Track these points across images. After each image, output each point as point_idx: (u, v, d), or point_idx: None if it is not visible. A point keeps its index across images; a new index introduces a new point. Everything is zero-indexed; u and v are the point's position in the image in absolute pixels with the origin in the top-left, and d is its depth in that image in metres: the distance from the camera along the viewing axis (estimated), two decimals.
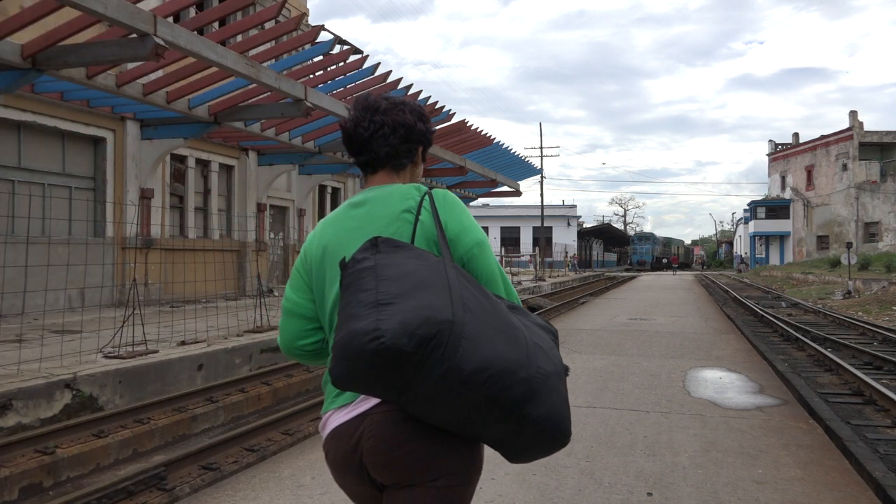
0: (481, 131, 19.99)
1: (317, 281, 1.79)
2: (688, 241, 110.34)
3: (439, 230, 1.66)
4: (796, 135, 56.74)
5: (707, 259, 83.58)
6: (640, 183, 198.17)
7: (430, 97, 15.69)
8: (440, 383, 1.42)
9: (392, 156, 1.81)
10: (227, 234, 17.56)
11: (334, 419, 1.70)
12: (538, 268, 34.60)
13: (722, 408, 6.07)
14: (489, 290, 1.63)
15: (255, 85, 11.10)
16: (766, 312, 17.68)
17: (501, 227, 53.89)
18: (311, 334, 1.82)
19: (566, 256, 48.36)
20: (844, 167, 47.91)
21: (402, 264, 1.51)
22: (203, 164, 16.75)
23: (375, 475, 1.64)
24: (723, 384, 7.18)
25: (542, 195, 49.12)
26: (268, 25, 11.65)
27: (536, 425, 1.51)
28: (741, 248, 65.94)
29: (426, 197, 1.71)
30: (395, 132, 1.79)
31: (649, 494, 3.91)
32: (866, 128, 48.52)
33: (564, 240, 53.65)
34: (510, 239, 52.43)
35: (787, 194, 54.77)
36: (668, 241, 75.65)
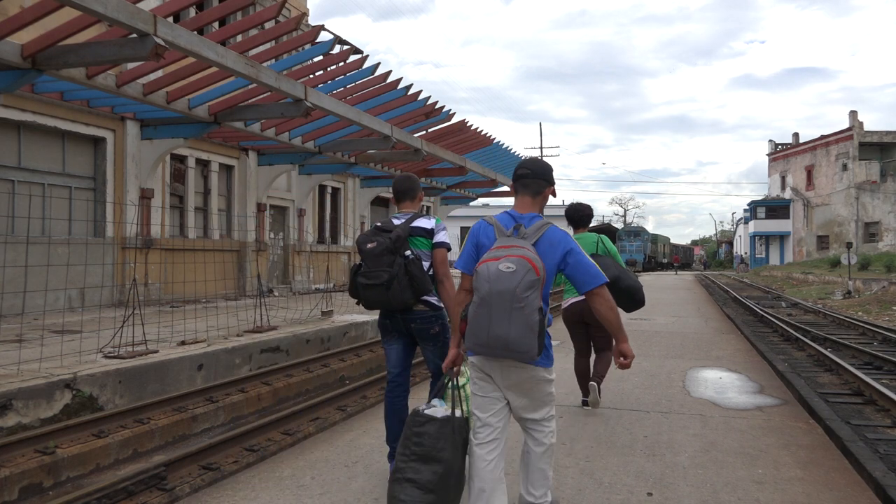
0: (481, 131, 19.97)
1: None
2: (688, 241, 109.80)
3: (606, 249, 5.78)
4: (796, 135, 56.75)
5: (707, 259, 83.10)
6: (640, 183, 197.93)
7: (430, 97, 15.67)
8: (616, 290, 5.03)
9: (585, 223, 6.00)
10: (227, 234, 17.56)
11: (571, 300, 5.85)
12: None
13: (722, 408, 6.07)
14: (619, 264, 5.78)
15: (255, 85, 11.09)
16: (765, 312, 17.68)
17: None
18: None
19: None
20: (844, 167, 47.91)
21: (603, 261, 5.33)
22: (203, 164, 16.75)
23: (588, 320, 5.71)
24: (723, 384, 7.18)
25: None
26: (268, 25, 11.64)
27: (640, 301, 5.65)
28: (741, 248, 65.89)
29: (600, 237, 5.85)
30: (587, 215, 6.00)
31: (649, 494, 3.91)
32: (867, 127, 48.54)
33: None
34: None
35: (787, 194, 54.77)
36: (654, 238, 63.09)
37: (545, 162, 3.31)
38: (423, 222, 3.97)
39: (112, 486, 4.58)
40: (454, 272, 3.56)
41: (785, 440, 5.06)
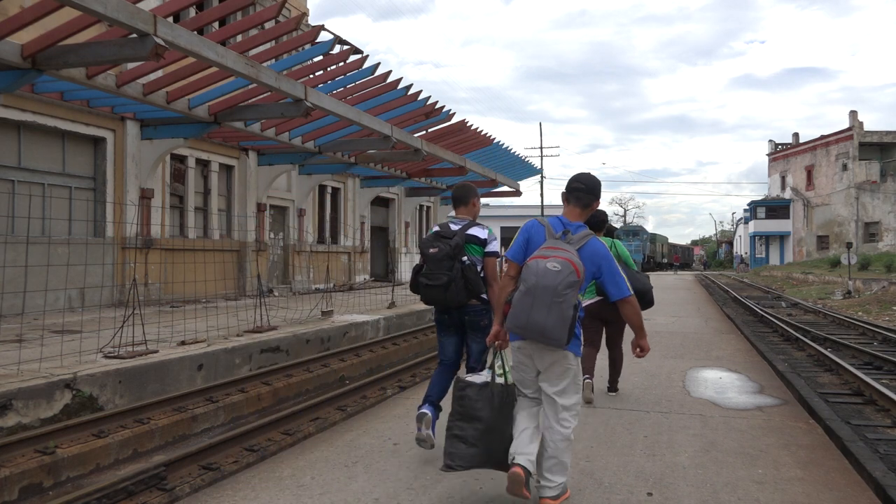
0: (481, 131, 19.98)
1: None
2: (688, 242, 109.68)
3: (618, 253, 6.01)
4: (796, 135, 56.76)
5: (707, 259, 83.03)
6: (640, 183, 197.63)
7: (430, 97, 15.68)
8: None
9: (599, 228, 5.94)
10: (227, 234, 17.56)
11: (588, 302, 5.89)
12: None
13: (722, 408, 6.07)
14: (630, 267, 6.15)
15: (255, 85, 11.10)
16: (766, 312, 17.68)
17: (501, 227, 53.79)
18: None
19: None
20: (844, 167, 47.92)
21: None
22: (203, 164, 16.75)
23: (606, 318, 6.18)
24: (723, 384, 7.18)
25: (542, 195, 49.18)
26: (268, 25, 11.64)
27: (649, 301, 6.07)
28: (741, 248, 65.90)
29: (614, 241, 6.25)
30: (601, 221, 6.15)
31: (649, 494, 3.91)
32: (867, 127, 48.57)
33: None
34: (510, 239, 51.86)
35: (787, 194, 54.77)
36: (652, 238, 60.00)
37: (596, 179, 3.81)
38: (478, 231, 4.52)
39: (112, 486, 4.59)
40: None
41: (785, 440, 5.06)
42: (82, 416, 6.20)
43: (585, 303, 6.13)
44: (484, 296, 4.49)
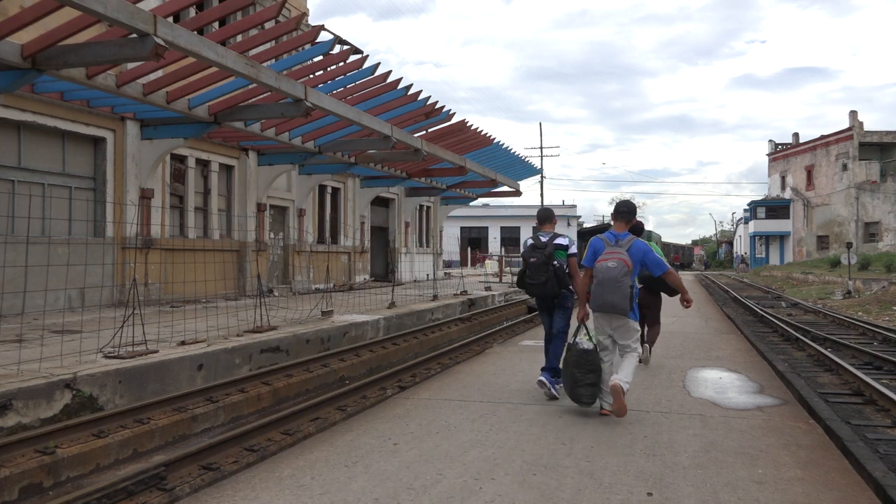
0: (481, 131, 19.98)
1: None
2: (688, 241, 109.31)
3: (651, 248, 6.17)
4: (796, 135, 56.76)
5: (707, 259, 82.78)
6: (640, 183, 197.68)
7: (430, 97, 15.68)
8: (656, 282, 7.63)
9: (640, 233, 6.89)
10: (227, 234, 17.55)
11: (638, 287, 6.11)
12: None
13: (722, 408, 6.07)
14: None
15: (255, 85, 11.09)
16: (766, 312, 17.68)
17: (501, 227, 53.87)
18: None
19: None
20: (844, 167, 47.92)
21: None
22: (203, 164, 16.74)
23: (641, 303, 6.91)
24: (723, 384, 7.18)
25: (542, 195, 49.17)
26: (268, 25, 11.64)
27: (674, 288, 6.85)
28: (741, 248, 65.87)
29: (651, 243, 6.49)
30: (641, 230, 7.18)
31: (649, 494, 3.91)
32: (867, 127, 48.57)
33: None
34: (510, 239, 52.20)
35: (787, 194, 54.77)
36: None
37: (633, 203, 6.03)
38: (561, 241, 6.42)
39: (112, 486, 4.58)
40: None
41: (785, 440, 5.06)
42: (82, 416, 6.20)
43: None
44: (569, 286, 6.33)
